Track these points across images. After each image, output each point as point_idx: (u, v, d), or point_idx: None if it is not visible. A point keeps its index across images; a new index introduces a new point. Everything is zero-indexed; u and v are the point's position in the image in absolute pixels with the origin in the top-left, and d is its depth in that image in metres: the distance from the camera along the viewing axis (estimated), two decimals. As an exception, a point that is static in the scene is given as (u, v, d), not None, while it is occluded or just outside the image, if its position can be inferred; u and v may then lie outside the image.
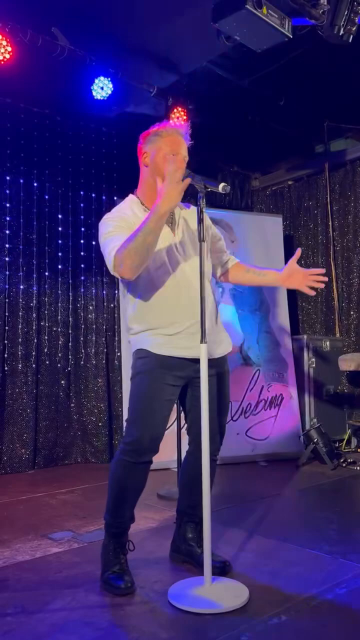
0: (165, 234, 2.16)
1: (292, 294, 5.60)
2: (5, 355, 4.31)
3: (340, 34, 3.15)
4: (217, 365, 2.25)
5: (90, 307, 4.82)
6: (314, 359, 4.89)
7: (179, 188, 1.97)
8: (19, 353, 4.39)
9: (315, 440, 4.30)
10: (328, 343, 5.02)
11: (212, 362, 2.15)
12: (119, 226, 2.11)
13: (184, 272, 2.17)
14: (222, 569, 2.18)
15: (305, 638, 1.76)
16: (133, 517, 2.23)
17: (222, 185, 2.03)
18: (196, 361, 2.09)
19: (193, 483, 2.21)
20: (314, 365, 4.89)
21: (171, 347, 2.14)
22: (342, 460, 4.25)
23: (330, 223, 5.44)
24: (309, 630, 1.80)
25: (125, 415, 4.19)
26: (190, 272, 2.17)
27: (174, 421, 4.09)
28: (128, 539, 2.23)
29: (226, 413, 2.36)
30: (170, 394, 2.17)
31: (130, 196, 2.28)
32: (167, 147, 2.16)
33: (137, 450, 2.10)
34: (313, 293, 2.36)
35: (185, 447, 3.75)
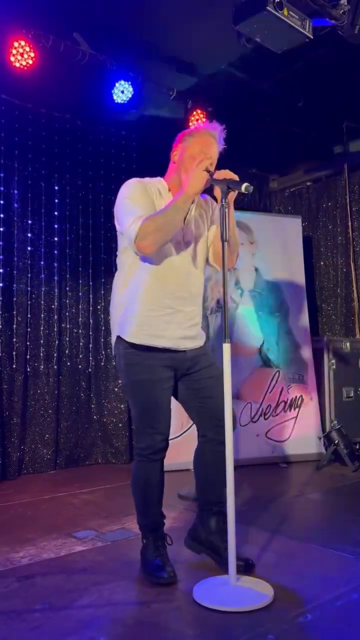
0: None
1: (312, 295, 5.59)
2: (28, 357, 4.37)
3: (361, 34, 3.15)
4: (195, 356, 2.27)
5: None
6: (334, 360, 4.87)
7: (204, 175, 2.05)
8: (41, 354, 4.44)
9: (336, 441, 4.28)
10: (348, 344, 4.99)
11: (190, 356, 2.24)
12: (141, 197, 2.17)
13: (180, 258, 2.22)
14: (245, 568, 2.19)
15: (333, 637, 1.75)
16: (163, 515, 2.30)
17: (244, 185, 2.05)
18: (182, 354, 2.21)
19: (215, 474, 2.21)
20: (334, 366, 4.86)
21: (143, 334, 2.17)
22: (363, 462, 4.22)
23: (349, 224, 5.41)
24: (336, 629, 1.80)
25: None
26: (185, 258, 2.23)
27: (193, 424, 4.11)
28: (165, 533, 2.29)
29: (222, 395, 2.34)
30: (170, 394, 2.26)
31: (159, 178, 2.33)
32: (196, 145, 2.21)
33: (153, 452, 2.21)
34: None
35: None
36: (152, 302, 2.19)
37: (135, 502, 2.29)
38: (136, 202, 2.15)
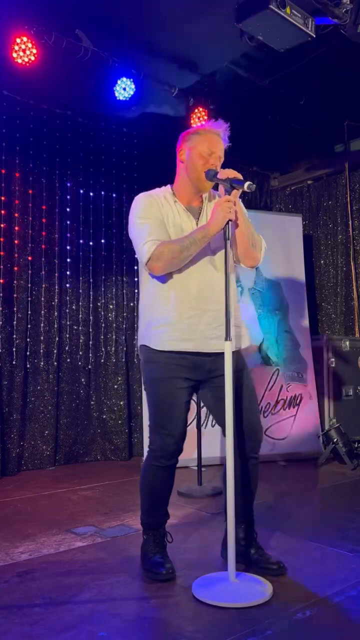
0: (190, 229, 2.21)
1: (312, 294, 5.59)
2: (28, 353, 4.37)
3: (363, 33, 3.15)
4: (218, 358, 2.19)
5: (111, 306, 4.86)
6: (333, 359, 4.88)
7: (229, 216, 2.08)
8: (41, 351, 4.45)
9: (334, 440, 4.29)
10: (348, 343, 5.00)
11: (220, 359, 2.11)
12: (150, 215, 2.18)
13: (200, 263, 2.20)
14: (278, 570, 2.18)
15: (330, 633, 1.77)
16: (168, 514, 2.31)
17: (247, 183, 2.07)
18: (204, 355, 2.15)
19: (239, 484, 2.18)
20: (333, 365, 4.87)
21: (171, 340, 2.15)
22: (362, 461, 4.23)
23: (350, 223, 5.42)
24: (334, 625, 1.81)
25: (145, 414, 4.26)
26: (206, 264, 2.20)
27: (194, 419, 4.12)
28: (166, 531, 2.30)
29: (256, 407, 2.33)
30: (186, 397, 2.21)
31: (168, 186, 2.33)
32: (202, 144, 2.22)
33: (164, 455, 2.19)
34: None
35: (204, 445, 3.80)
36: (174, 309, 2.16)
37: (141, 502, 2.30)
38: (146, 221, 2.17)
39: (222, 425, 2.19)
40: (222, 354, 2.08)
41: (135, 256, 2.27)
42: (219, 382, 2.13)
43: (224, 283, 2.10)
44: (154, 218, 2.18)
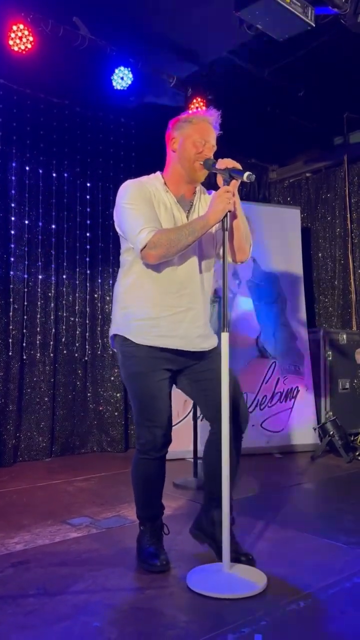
0: (180, 221, 2.19)
1: (309, 287, 5.58)
2: (24, 344, 4.36)
3: (364, 23, 3.13)
4: (206, 354, 2.23)
5: (107, 298, 4.84)
6: (330, 352, 4.88)
7: (228, 207, 2.05)
8: (37, 342, 4.43)
9: (331, 433, 4.30)
10: (345, 336, 5.00)
11: (198, 354, 2.18)
12: (142, 202, 2.13)
13: (187, 260, 2.17)
14: (247, 563, 2.16)
15: (325, 624, 1.77)
16: (163, 505, 2.30)
17: (246, 174, 2.03)
18: (184, 354, 2.16)
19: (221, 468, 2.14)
20: (330, 358, 4.87)
21: (153, 336, 2.14)
22: (357, 454, 4.24)
23: (348, 215, 5.41)
24: (328, 616, 1.81)
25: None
26: (193, 260, 2.19)
27: (189, 411, 4.12)
28: (163, 523, 2.30)
29: (238, 388, 2.28)
30: (167, 387, 2.21)
31: (158, 173, 2.28)
32: (196, 134, 2.17)
33: (154, 448, 2.17)
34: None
35: (200, 437, 3.80)
36: (158, 304, 2.14)
37: (134, 496, 2.29)
38: (139, 208, 2.11)
39: (207, 412, 2.22)
40: (205, 352, 2.19)
41: (126, 247, 2.23)
42: (197, 368, 2.19)
43: (207, 279, 2.17)
44: (147, 205, 2.13)
